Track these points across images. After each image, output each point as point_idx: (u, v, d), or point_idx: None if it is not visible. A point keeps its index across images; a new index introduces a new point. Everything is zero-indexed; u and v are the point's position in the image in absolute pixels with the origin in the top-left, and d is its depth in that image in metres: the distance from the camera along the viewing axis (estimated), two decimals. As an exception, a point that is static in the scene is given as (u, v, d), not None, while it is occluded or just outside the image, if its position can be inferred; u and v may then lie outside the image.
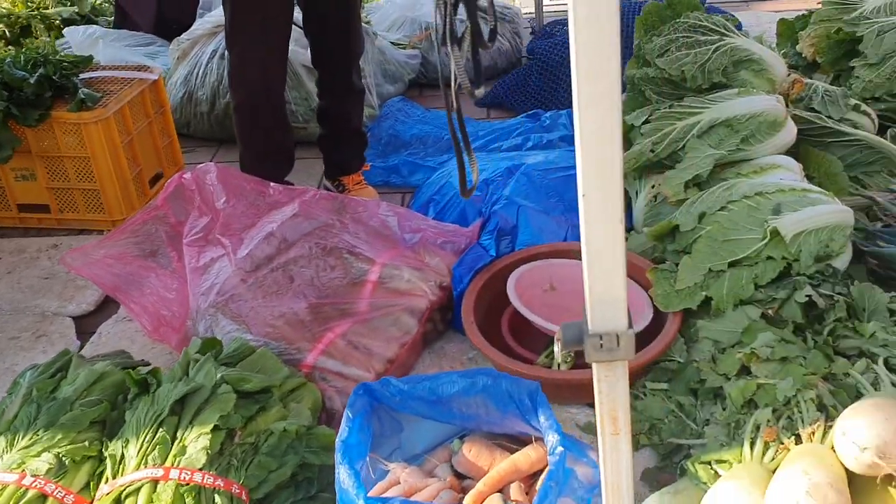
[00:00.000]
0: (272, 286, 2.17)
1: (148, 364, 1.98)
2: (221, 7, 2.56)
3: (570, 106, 3.26)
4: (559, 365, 1.98)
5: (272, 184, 2.45)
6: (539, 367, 1.97)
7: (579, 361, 2.01)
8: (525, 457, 1.55)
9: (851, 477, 1.46)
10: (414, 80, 3.75)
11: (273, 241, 2.27)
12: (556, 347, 1.08)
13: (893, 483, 1.44)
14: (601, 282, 0.98)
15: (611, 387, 1.08)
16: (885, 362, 1.74)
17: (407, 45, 3.74)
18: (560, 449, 1.42)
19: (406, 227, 2.36)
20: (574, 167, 2.55)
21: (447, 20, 1.13)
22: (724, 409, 1.78)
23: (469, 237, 2.31)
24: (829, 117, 2.59)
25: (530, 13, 4.43)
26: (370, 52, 3.40)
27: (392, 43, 3.70)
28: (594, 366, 1.07)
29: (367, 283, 2.21)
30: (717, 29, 2.43)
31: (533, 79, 3.44)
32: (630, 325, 1.02)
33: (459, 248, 2.30)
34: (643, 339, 1.92)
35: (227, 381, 1.67)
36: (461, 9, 1.22)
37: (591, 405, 1.94)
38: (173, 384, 1.67)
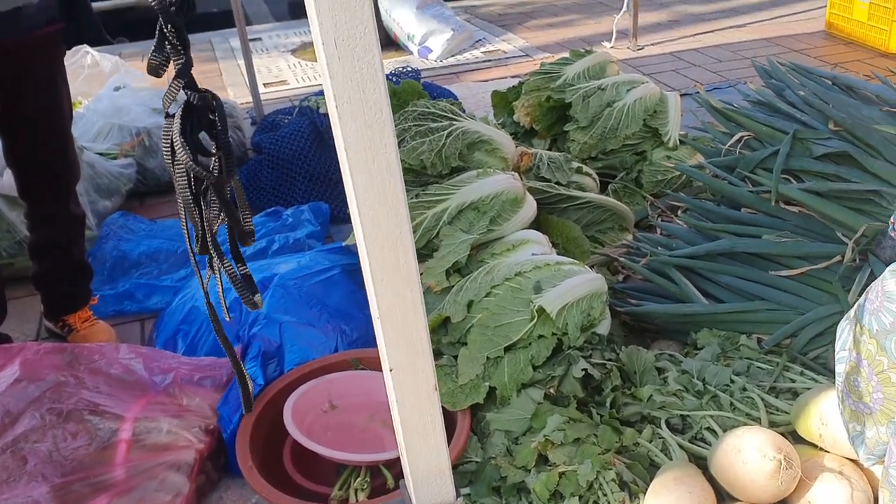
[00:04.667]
0: (1, 474, 1.80)
1: None
2: None
3: (310, 200, 3.18)
4: (356, 493, 1.84)
5: (-20, 346, 2.06)
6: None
7: (376, 483, 1.88)
8: None
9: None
10: (132, 190, 3.43)
11: (-7, 417, 1.90)
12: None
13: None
14: (422, 457, 0.87)
15: (445, 561, 0.96)
16: (668, 423, 1.80)
17: (118, 154, 3.42)
18: None
19: (154, 368, 2.09)
20: (332, 268, 2.42)
21: (204, 224, 0.95)
22: (530, 504, 1.74)
23: (230, 368, 2.09)
24: (559, 183, 2.73)
25: (248, 103, 4.29)
26: (78, 168, 3.05)
27: (100, 154, 3.36)
28: (425, 545, 0.94)
29: (120, 444, 1.91)
30: (446, 115, 2.47)
31: (264, 174, 3.29)
32: (458, 494, 0.92)
33: (221, 383, 2.07)
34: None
35: None
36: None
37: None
38: None
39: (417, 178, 2.42)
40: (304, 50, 5.59)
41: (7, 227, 2.85)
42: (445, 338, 2.11)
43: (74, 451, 1.87)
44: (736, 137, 2.43)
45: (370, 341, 2.22)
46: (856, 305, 1.40)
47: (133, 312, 2.75)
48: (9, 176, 2.63)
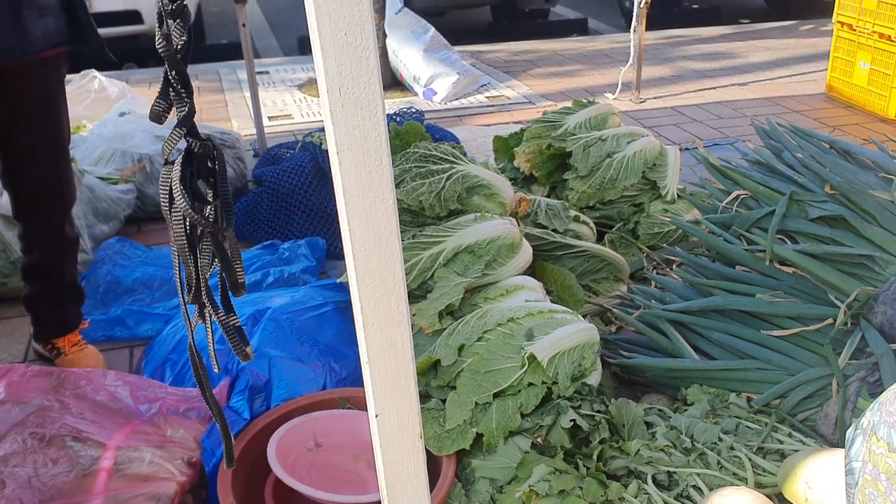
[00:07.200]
0: (-24, 498, 1.78)
1: None
2: None
3: (307, 235, 3.19)
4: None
5: (-34, 366, 2.05)
6: (315, 544, 1.78)
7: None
8: None
9: None
10: (131, 216, 3.44)
11: (-26, 439, 1.88)
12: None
13: None
14: (404, 505, 0.86)
15: None
16: (654, 479, 1.79)
17: (119, 179, 3.43)
18: None
19: (140, 397, 2.08)
20: (326, 304, 2.41)
21: (198, 273, 0.94)
22: (512, 555, 1.72)
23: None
24: (555, 230, 2.74)
25: (251, 135, 4.32)
26: (78, 191, 3.06)
27: (101, 178, 3.37)
28: None
29: (100, 473, 1.89)
30: (447, 157, 2.49)
31: (263, 207, 3.30)
32: (439, 545, 0.91)
33: (207, 415, 2.05)
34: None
35: None
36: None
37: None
38: None
39: (415, 218, 2.43)
40: (311, 85, 5.65)
41: (2, 247, 2.85)
42: (434, 381, 2.10)
43: (54, 477, 1.84)
44: (733, 195, 2.45)
45: (359, 380, 2.21)
46: (868, 415, 1.37)
47: (123, 339, 2.74)
48: (6, 195, 2.63)
